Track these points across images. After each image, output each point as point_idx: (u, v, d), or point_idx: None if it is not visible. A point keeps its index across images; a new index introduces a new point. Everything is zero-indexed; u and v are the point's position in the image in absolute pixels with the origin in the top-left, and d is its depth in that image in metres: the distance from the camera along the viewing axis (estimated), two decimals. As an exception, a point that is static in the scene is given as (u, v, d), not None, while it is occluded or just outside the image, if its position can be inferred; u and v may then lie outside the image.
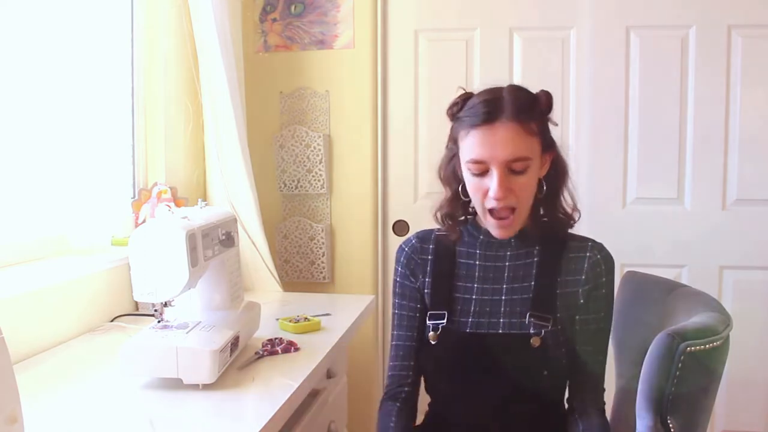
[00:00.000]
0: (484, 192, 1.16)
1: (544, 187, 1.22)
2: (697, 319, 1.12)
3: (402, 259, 1.30)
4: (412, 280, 1.29)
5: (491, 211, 1.18)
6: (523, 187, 1.16)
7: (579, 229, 1.31)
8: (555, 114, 1.22)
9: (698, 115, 2.22)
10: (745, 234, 2.22)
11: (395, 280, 1.31)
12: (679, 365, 1.01)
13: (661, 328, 1.09)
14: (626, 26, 2.24)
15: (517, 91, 1.18)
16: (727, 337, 1.08)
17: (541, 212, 1.25)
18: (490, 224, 1.21)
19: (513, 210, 1.17)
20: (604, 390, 1.25)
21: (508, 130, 1.13)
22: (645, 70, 2.24)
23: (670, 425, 1.03)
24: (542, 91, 1.21)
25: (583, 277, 1.21)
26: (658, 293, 1.35)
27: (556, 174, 1.24)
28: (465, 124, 1.17)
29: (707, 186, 2.24)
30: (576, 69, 2.26)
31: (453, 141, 1.23)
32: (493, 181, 1.14)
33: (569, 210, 1.25)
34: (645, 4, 2.23)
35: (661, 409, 1.03)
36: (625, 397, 1.32)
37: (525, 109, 1.15)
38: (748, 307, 2.19)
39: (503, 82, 1.22)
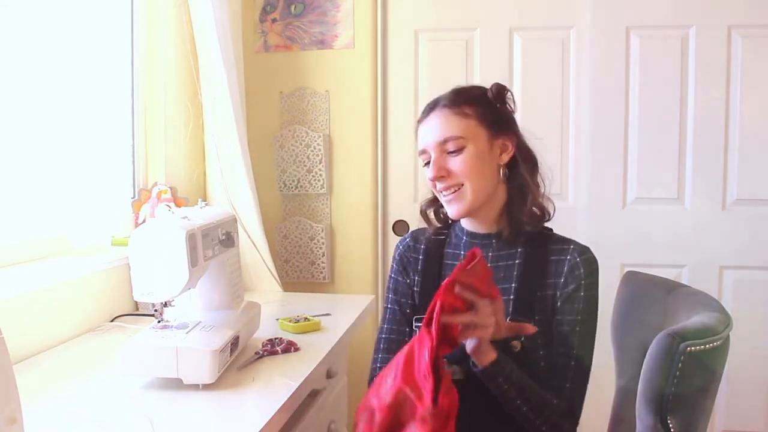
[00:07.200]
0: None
1: (505, 174, 1.23)
2: (697, 319, 1.12)
3: (397, 256, 1.36)
4: (405, 277, 1.33)
5: (441, 193, 1.24)
6: (461, 165, 1.20)
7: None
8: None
9: (698, 115, 2.22)
10: (745, 234, 2.22)
11: (390, 276, 1.36)
12: (679, 365, 1.01)
13: (661, 328, 1.09)
14: (626, 26, 2.24)
15: (457, 87, 1.27)
16: (727, 337, 1.08)
17: (523, 217, 1.23)
18: (444, 204, 1.26)
19: (460, 186, 1.21)
20: (578, 401, 1.19)
21: (437, 116, 1.23)
22: (645, 70, 2.24)
23: (670, 425, 1.03)
24: (494, 83, 1.27)
25: (562, 280, 1.20)
26: (658, 293, 1.35)
27: (521, 162, 1.24)
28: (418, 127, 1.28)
29: (707, 186, 2.24)
30: (576, 69, 2.26)
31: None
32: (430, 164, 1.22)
33: (543, 203, 1.24)
34: (645, 4, 2.23)
35: (661, 409, 1.03)
36: (625, 397, 1.32)
37: (456, 96, 1.24)
38: (748, 307, 2.19)
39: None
